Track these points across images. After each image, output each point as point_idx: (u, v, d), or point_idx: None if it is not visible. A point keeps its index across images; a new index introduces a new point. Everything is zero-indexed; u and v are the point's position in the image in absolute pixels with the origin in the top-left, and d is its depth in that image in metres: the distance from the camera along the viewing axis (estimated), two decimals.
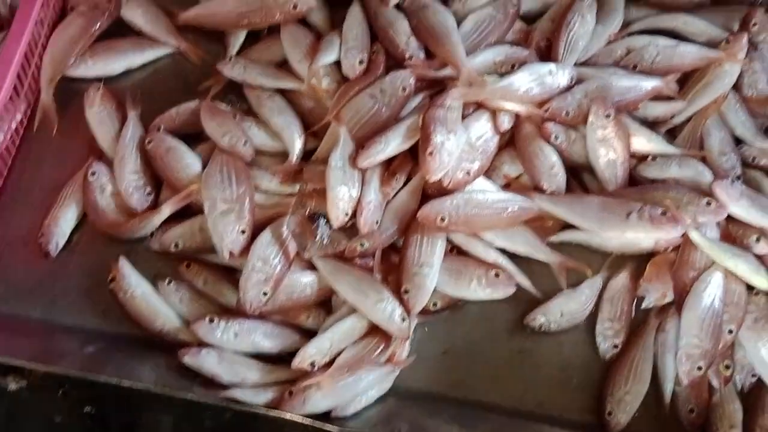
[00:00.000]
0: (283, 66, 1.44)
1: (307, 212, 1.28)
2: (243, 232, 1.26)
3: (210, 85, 1.43)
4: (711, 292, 1.24)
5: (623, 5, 1.48)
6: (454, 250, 1.33)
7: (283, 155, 1.36)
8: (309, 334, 1.25)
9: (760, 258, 1.28)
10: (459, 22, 1.43)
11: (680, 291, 1.26)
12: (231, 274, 1.29)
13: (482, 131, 1.34)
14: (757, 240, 1.28)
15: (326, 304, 1.30)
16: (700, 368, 1.21)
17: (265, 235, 1.26)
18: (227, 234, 1.25)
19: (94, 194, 1.33)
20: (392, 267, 1.30)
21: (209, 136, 1.35)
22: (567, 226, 1.34)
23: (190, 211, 1.33)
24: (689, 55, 1.41)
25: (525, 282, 1.31)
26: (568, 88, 1.36)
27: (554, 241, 1.34)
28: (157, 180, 1.35)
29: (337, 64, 1.40)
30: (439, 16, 1.40)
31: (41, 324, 1.32)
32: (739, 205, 1.27)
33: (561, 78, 1.36)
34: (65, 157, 1.41)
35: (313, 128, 1.36)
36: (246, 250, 1.26)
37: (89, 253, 1.35)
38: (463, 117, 1.34)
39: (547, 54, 1.43)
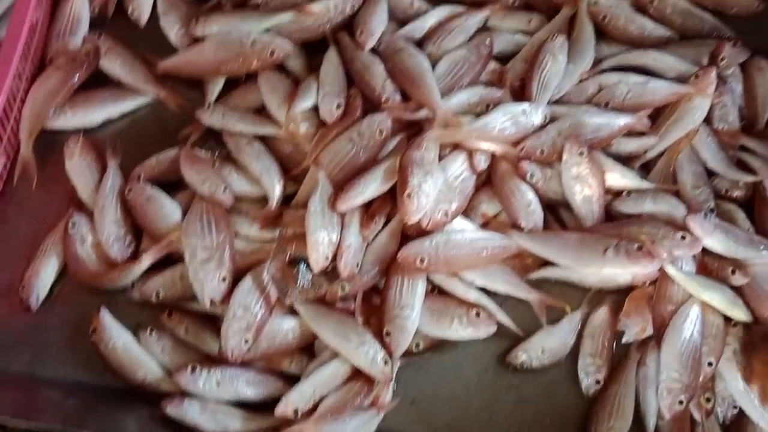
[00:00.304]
0: (262, 112, 1.45)
1: (287, 257, 1.28)
2: (224, 279, 1.26)
3: (189, 133, 1.44)
4: (689, 325, 1.25)
5: (594, 44, 1.51)
6: (435, 290, 1.34)
7: (264, 200, 1.37)
8: (292, 380, 1.25)
9: (736, 289, 1.29)
10: (433, 64, 1.46)
11: (659, 325, 1.27)
12: (213, 322, 1.29)
13: (459, 171, 1.36)
14: (733, 272, 1.29)
15: (309, 349, 1.30)
16: (681, 402, 1.22)
17: (246, 282, 1.26)
18: (208, 282, 1.26)
19: (74, 245, 1.34)
20: (374, 309, 1.31)
21: (188, 184, 1.35)
22: (546, 263, 1.35)
23: (171, 260, 1.33)
24: (660, 90, 1.44)
25: (506, 320, 1.31)
26: (542, 127, 1.39)
27: (534, 278, 1.35)
28: (138, 229, 1.36)
29: (315, 109, 1.41)
30: (414, 59, 1.43)
31: (23, 378, 1.30)
32: (713, 238, 1.29)
33: (535, 117, 1.38)
34: (45, 209, 1.41)
35: (293, 173, 1.37)
36: (227, 297, 1.26)
37: (70, 305, 1.35)
38: (440, 158, 1.36)
39: (521, 94, 1.45)
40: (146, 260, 1.30)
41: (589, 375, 1.30)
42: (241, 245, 1.33)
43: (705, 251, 1.32)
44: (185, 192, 1.38)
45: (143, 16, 1.54)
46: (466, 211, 1.37)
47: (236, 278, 1.28)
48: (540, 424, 1.30)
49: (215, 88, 1.48)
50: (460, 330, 1.29)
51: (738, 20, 1.59)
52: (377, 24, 1.47)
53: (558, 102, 1.46)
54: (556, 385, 1.32)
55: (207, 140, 1.45)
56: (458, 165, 1.36)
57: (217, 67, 1.45)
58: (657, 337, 1.27)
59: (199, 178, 1.35)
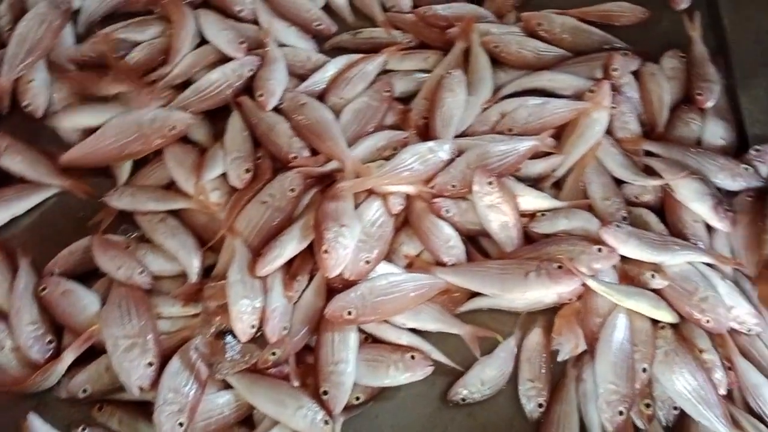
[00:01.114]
0: (172, 187, 1.44)
1: (214, 331, 1.26)
2: (150, 364, 1.24)
3: (100, 220, 1.42)
4: (618, 335, 1.27)
5: (491, 73, 1.55)
6: (369, 339, 1.34)
7: (184, 277, 1.35)
8: None
9: (658, 292, 1.32)
10: (338, 115, 1.47)
11: (590, 339, 1.29)
12: (146, 409, 1.26)
13: (376, 217, 1.37)
14: (653, 276, 1.32)
15: (248, 420, 1.28)
16: (621, 413, 1.23)
17: (174, 364, 1.24)
18: (134, 370, 1.23)
19: None
20: (310, 368, 1.29)
21: (104, 271, 1.33)
22: (474, 294, 1.36)
23: (95, 352, 1.30)
24: (559, 110, 1.48)
25: (442, 358, 1.32)
26: (450, 162, 1.40)
27: (464, 310, 1.36)
28: (58, 326, 1.32)
29: (225, 176, 1.41)
30: (317, 113, 1.44)
31: None
32: (628, 246, 1.31)
33: (442, 153, 1.40)
34: None
35: (209, 244, 1.36)
36: (156, 382, 1.23)
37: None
38: (357, 206, 1.37)
39: (426, 131, 1.48)
40: (67, 358, 1.27)
41: (531, 399, 1.30)
42: (165, 325, 1.32)
43: (624, 260, 1.34)
44: (103, 280, 1.36)
45: (39, 108, 1.53)
46: (389, 255, 1.38)
47: (164, 360, 1.26)
48: None
49: (123, 172, 1.47)
50: (397, 375, 1.29)
51: (626, 30, 1.65)
52: (276, 83, 1.48)
53: (463, 134, 1.49)
54: (503, 412, 1.32)
55: (120, 224, 1.43)
56: (374, 211, 1.38)
57: (119, 152, 1.44)
58: (590, 351, 1.29)
59: (113, 264, 1.33)
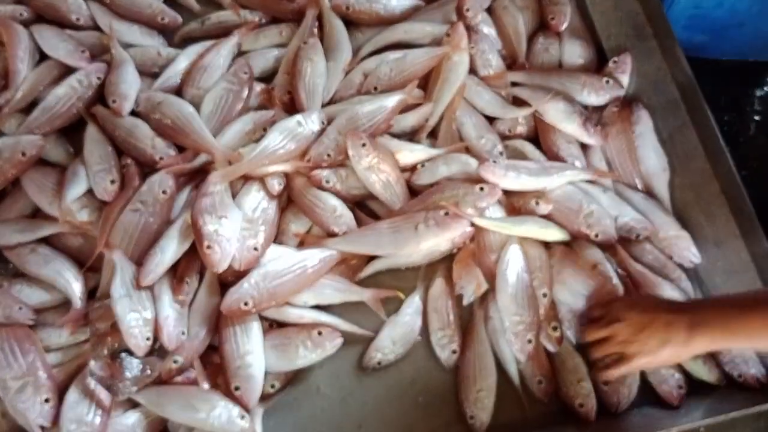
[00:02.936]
0: (38, 214, 1.36)
1: (107, 353, 1.21)
2: (47, 401, 1.18)
3: None
4: (514, 266, 1.29)
5: (347, 36, 1.52)
6: (273, 325, 1.31)
7: (69, 304, 1.28)
8: None
9: (546, 217, 1.34)
10: (199, 106, 1.41)
11: (489, 276, 1.31)
12: None
13: (256, 202, 1.34)
14: (537, 203, 1.34)
15: None
16: (530, 341, 1.25)
17: (71, 395, 1.19)
18: (30, 410, 1.17)
19: None
20: (218, 367, 1.26)
21: None
22: (371, 258, 1.35)
23: None
24: (419, 60, 1.47)
25: (350, 327, 1.31)
26: (322, 132, 1.38)
27: (365, 276, 1.35)
28: None
29: (91, 191, 1.34)
30: (175, 108, 1.39)
31: None
32: (507, 179, 1.33)
33: (312, 124, 1.38)
34: None
35: (87, 265, 1.29)
36: (58, 416, 1.18)
37: None
38: (234, 195, 1.33)
39: (293, 106, 1.44)
40: None
41: (444, 348, 1.31)
42: (57, 357, 1.25)
43: (508, 193, 1.36)
44: None
45: None
46: (278, 237, 1.36)
47: (63, 393, 1.20)
48: (417, 413, 1.30)
49: None
50: (308, 354, 1.27)
51: None
52: (128, 86, 1.41)
53: (332, 102, 1.47)
54: (420, 366, 1.33)
55: None
56: (253, 196, 1.34)
57: None
58: (492, 288, 1.30)
59: None
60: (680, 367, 1.28)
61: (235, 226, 1.26)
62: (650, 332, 1.11)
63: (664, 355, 1.11)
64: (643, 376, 1.28)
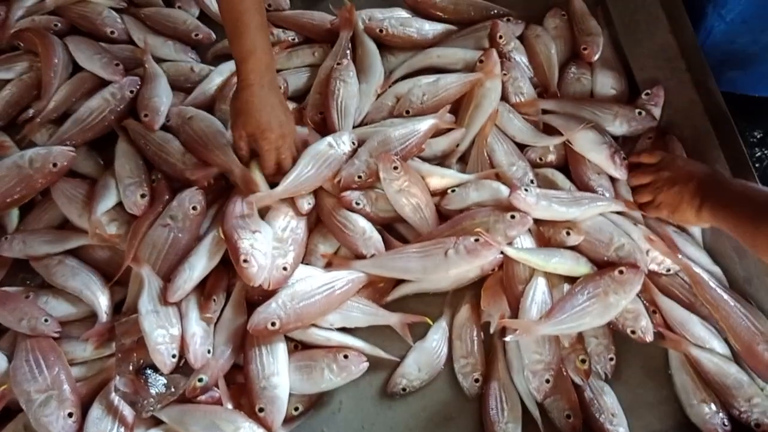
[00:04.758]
0: (66, 225, 1.36)
1: (132, 369, 1.20)
2: (70, 415, 1.17)
3: None
4: (538, 300, 1.27)
5: (379, 58, 1.53)
6: (298, 346, 1.30)
7: (94, 318, 1.28)
8: None
9: (575, 248, 1.33)
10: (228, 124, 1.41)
11: (514, 306, 1.29)
12: None
13: (286, 222, 1.33)
14: (568, 233, 1.33)
15: None
16: (548, 381, 1.23)
17: (95, 410, 1.18)
18: (53, 424, 1.16)
19: None
20: (242, 387, 1.25)
21: (6, 326, 1.25)
22: (399, 282, 1.34)
23: (11, 412, 1.21)
24: (451, 84, 1.47)
25: (376, 351, 1.29)
26: (354, 152, 1.38)
27: (391, 300, 1.34)
28: None
29: (121, 204, 1.34)
30: (203, 123, 1.39)
31: None
32: (539, 208, 1.32)
33: (343, 146, 1.37)
34: None
35: (114, 279, 1.29)
36: (80, 431, 1.16)
37: None
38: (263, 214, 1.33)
39: (324, 126, 1.44)
40: None
41: (467, 377, 1.29)
42: (81, 371, 1.24)
43: (538, 222, 1.35)
44: (7, 335, 1.28)
45: None
46: (306, 257, 1.35)
47: (86, 408, 1.19)
48: None
49: (11, 220, 1.38)
50: (333, 378, 1.26)
51: None
52: (160, 101, 1.42)
53: (362, 124, 1.47)
54: (445, 394, 1.31)
55: (17, 273, 1.34)
56: (283, 215, 1.34)
57: (2, 199, 1.34)
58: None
59: (14, 316, 1.25)
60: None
61: (268, 241, 1.26)
62: (678, 193, 1.25)
63: (677, 216, 1.28)
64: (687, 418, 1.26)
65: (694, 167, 1.28)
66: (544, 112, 1.49)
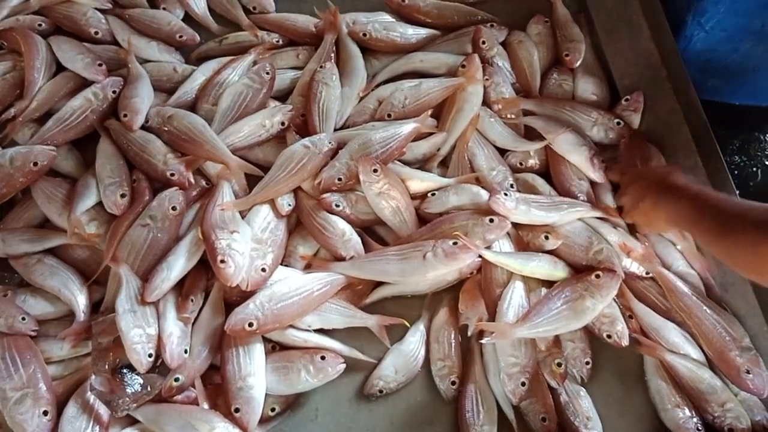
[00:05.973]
0: (46, 224, 1.36)
1: (109, 368, 1.20)
2: (45, 413, 1.17)
3: None
4: (515, 303, 1.28)
5: (362, 62, 1.53)
6: (276, 347, 1.30)
7: (72, 317, 1.28)
8: None
9: (553, 252, 1.34)
10: (211, 121, 1.42)
11: (492, 310, 1.29)
12: None
13: (265, 222, 1.34)
14: (546, 237, 1.33)
15: None
16: (524, 384, 1.24)
17: (70, 409, 1.18)
18: (28, 422, 1.16)
19: None
20: (218, 387, 1.25)
21: None
22: (378, 284, 1.34)
23: None
24: (433, 89, 1.48)
25: (353, 353, 1.30)
26: (333, 154, 1.38)
27: (370, 302, 1.34)
28: None
29: (101, 204, 1.34)
30: (186, 120, 1.40)
31: None
32: (517, 212, 1.33)
33: (320, 144, 1.38)
34: None
35: (92, 278, 1.29)
36: (55, 430, 1.16)
37: None
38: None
39: (306, 128, 1.45)
40: None
41: (444, 379, 1.30)
42: (57, 370, 1.24)
43: (517, 226, 1.35)
44: None
45: None
46: (285, 259, 1.35)
47: (61, 407, 1.19)
48: None
49: None
50: (310, 379, 1.26)
51: (490, 2, 1.65)
52: (140, 101, 1.42)
53: (344, 126, 1.47)
54: (422, 396, 1.31)
55: None
56: (263, 216, 1.34)
57: None
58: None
59: None
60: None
61: (246, 241, 1.27)
62: (644, 205, 1.22)
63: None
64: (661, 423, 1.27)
65: (652, 175, 1.25)
66: (525, 113, 1.50)
